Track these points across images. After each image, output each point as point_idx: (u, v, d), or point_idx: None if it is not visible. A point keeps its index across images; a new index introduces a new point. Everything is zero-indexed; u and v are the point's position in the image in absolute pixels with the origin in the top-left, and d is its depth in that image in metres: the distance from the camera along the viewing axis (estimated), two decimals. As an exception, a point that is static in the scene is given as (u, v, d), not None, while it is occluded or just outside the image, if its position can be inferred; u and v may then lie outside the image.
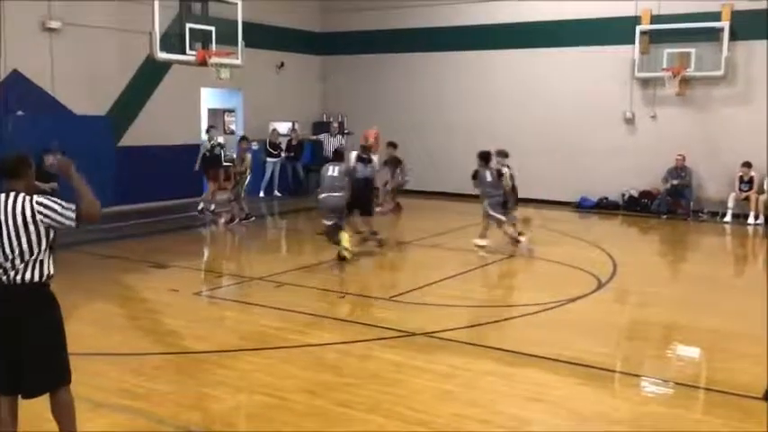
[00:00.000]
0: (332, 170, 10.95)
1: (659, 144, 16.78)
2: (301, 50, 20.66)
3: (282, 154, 18.92)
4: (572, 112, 17.74)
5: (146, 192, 15.65)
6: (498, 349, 7.03)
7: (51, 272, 4.37)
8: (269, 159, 18.76)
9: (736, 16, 15.88)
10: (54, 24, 14.42)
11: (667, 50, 16.37)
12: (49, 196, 4.41)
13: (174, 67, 15.99)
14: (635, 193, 17.08)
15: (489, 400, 5.86)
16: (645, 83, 17.12)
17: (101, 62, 15.42)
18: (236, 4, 13.80)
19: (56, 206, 4.32)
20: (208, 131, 15.70)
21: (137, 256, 11.47)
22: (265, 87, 19.28)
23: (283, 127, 19.58)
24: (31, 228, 4.25)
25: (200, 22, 13.62)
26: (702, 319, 8.27)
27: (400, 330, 7.50)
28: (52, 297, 4.42)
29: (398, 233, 11.96)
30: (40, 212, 4.26)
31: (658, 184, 16.81)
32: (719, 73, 15.96)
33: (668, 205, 16.48)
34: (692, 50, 16.13)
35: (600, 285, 9.71)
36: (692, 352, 7.55)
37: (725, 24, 15.84)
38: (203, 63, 13.41)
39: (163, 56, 12.83)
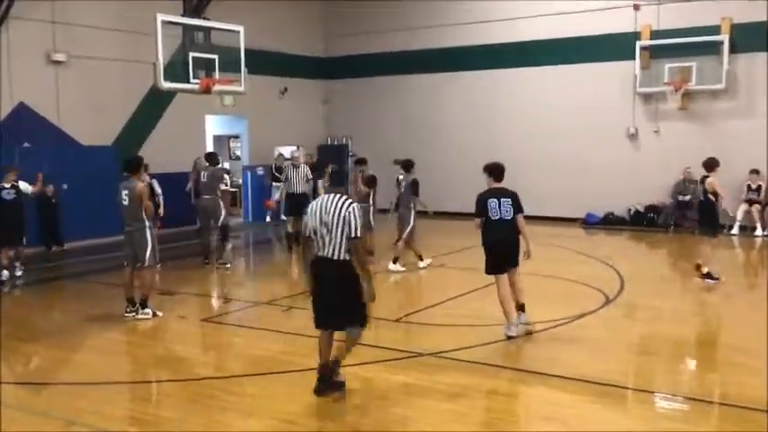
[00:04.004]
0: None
1: (663, 158, 16.79)
2: (304, 75, 20.84)
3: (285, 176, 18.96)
4: (575, 128, 17.80)
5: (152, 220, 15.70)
6: (507, 368, 7.00)
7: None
8: (274, 184, 18.82)
9: (736, 29, 15.95)
10: (59, 57, 14.61)
11: (668, 65, 16.44)
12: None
13: (178, 96, 16.15)
14: (641, 208, 17.08)
15: (500, 420, 5.83)
16: (647, 98, 17.17)
17: (106, 93, 15.60)
18: (239, 31, 13.93)
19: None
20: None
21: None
22: (269, 113, 19.42)
23: (288, 152, 19.68)
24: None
25: (204, 51, 13.74)
26: (712, 334, 8.22)
27: (408, 351, 7.48)
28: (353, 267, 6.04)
29: (403, 254, 11.93)
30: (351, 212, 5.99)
31: (664, 199, 16.80)
32: (721, 86, 16.00)
33: (675, 219, 16.45)
34: (693, 64, 16.20)
35: (608, 301, 9.68)
36: (703, 366, 7.49)
37: (724, 37, 15.90)
38: (207, 91, 13.51)
39: (167, 85, 12.94)
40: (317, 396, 6.16)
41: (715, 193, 10.71)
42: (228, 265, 12.46)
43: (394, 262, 11.87)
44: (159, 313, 9.24)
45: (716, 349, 7.68)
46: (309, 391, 6.40)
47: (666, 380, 6.88)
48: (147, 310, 9.16)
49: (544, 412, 5.92)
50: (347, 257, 6.00)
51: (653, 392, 6.49)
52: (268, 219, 18.88)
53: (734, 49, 15.93)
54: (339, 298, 6.06)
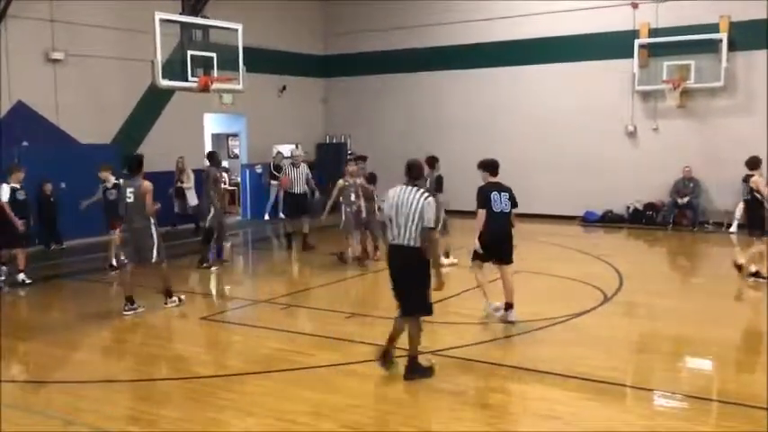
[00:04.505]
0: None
1: (662, 156, 16.81)
2: (303, 73, 20.82)
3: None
4: (574, 126, 17.80)
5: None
6: (506, 366, 7.01)
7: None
8: (273, 182, 18.82)
9: (734, 27, 15.95)
10: (57, 55, 14.60)
11: (666, 63, 16.44)
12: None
13: (176, 94, 16.14)
14: (639, 206, 17.09)
15: (499, 418, 5.83)
16: (645, 96, 17.17)
17: (104, 91, 15.59)
18: (237, 30, 13.92)
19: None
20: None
21: (144, 283, 11.48)
22: (268, 111, 19.41)
23: (287, 150, 19.68)
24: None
25: (202, 49, 13.72)
26: (711, 331, 8.23)
27: (407, 349, 7.46)
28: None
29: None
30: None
31: (662, 197, 16.81)
32: (719, 84, 16.01)
33: (674, 217, 16.47)
34: (692, 62, 16.20)
35: (606, 299, 9.69)
36: (702, 364, 7.50)
37: (723, 35, 15.91)
38: (206, 89, 13.48)
39: (165, 83, 12.91)
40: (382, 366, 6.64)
41: (760, 192, 10.60)
42: (214, 268, 12.24)
43: (446, 256, 11.73)
44: (183, 297, 9.67)
45: (714, 347, 7.69)
46: (309, 389, 6.42)
47: (665, 377, 6.88)
48: (173, 299, 9.55)
49: (543, 410, 5.93)
50: (418, 246, 6.34)
51: (652, 390, 6.50)
52: (267, 217, 18.88)
53: (732, 47, 15.94)
54: (408, 284, 6.44)
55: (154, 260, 9.30)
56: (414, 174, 6.70)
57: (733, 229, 15.73)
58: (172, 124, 16.81)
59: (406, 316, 6.55)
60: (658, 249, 15.29)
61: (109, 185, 11.64)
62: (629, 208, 17.26)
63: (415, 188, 6.51)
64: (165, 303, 9.56)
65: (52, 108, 14.64)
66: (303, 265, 13.18)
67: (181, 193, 16.26)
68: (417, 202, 6.36)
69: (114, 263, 11.63)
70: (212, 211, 12.28)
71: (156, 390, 6.62)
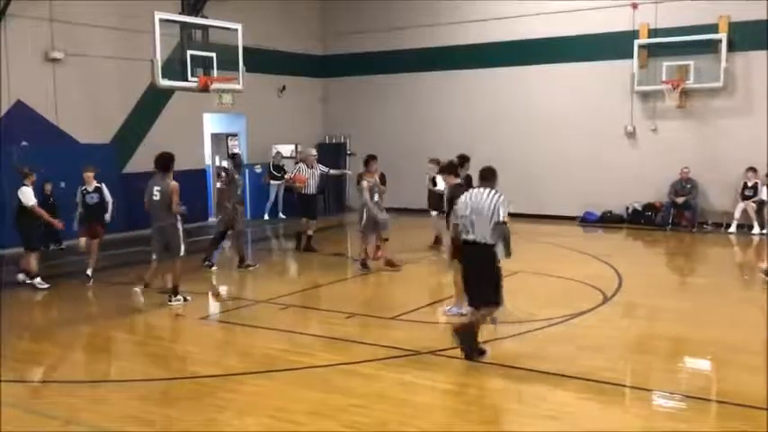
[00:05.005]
0: None
1: (661, 157, 16.82)
2: (303, 73, 20.83)
3: (286, 176, 18.96)
4: (573, 127, 17.81)
5: (149, 217, 15.65)
6: (506, 366, 7.00)
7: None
8: (272, 182, 18.83)
9: (734, 27, 15.96)
10: (57, 55, 14.59)
11: (666, 63, 16.45)
12: None
13: (176, 94, 16.14)
14: (639, 206, 17.10)
15: (498, 418, 5.84)
16: (645, 96, 17.18)
17: (104, 91, 15.59)
18: (237, 29, 13.92)
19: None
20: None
21: (143, 283, 11.48)
22: (268, 111, 19.42)
23: (286, 150, 19.69)
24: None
25: (201, 49, 13.72)
26: (710, 332, 8.24)
27: (406, 349, 7.49)
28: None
29: (400, 252, 11.91)
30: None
31: (662, 197, 16.82)
32: (719, 84, 16.01)
33: (672, 217, 16.48)
34: (691, 63, 16.21)
35: (605, 300, 9.69)
36: (701, 364, 7.51)
37: (722, 36, 15.91)
38: (205, 89, 13.49)
39: (165, 83, 12.91)
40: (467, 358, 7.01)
41: None
42: (214, 267, 12.32)
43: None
44: (189, 297, 9.76)
45: (713, 347, 7.69)
46: (308, 389, 6.42)
47: (665, 378, 6.89)
48: (178, 297, 9.63)
49: (542, 410, 5.93)
50: (491, 243, 6.95)
51: (651, 390, 6.50)
52: (266, 216, 18.89)
53: (732, 48, 15.94)
54: (481, 278, 7.06)
55: (181, 254, 9.61)
56: (487, 177, 7.32)
57: (732, 229, 15.75)
58: (171, 124, 16.81)
59: (478, 304, 7.12)
60: (657, 250, 15.30)
61: (90, 189, 11.14)
62: (628, 208, 17.27)
63: (488, 190, 7.14)
64: (170, 300, 9.63)
65: (51, 108, 14.63)
66: (303, 266, 13.17)
67: None
68: (491, 202, 6.99)
69: (90, 273, 11.04)
70: (227, 211, 12.28)
71: (156, 389, 6.61)
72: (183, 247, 9.65)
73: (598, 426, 5.64)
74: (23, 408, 6.18)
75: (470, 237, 7.10)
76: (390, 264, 11.97)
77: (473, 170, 12.79)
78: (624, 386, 6.65)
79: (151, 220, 9.73)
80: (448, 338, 7.34)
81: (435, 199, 13.11)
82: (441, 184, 12.73)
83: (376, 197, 11.92)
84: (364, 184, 11.86)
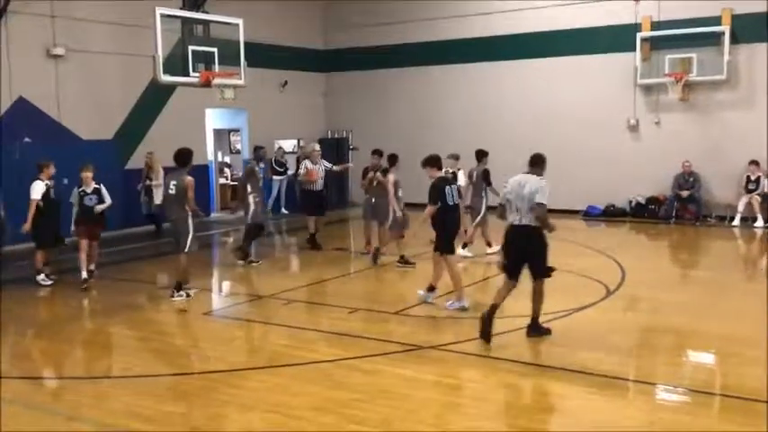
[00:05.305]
0: None
1: (664, 150, 16.77)
2: (305, 68, 20.80)
3: (289, 171, 18.98)
4: (576, 120, 17.76)
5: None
6: (508, 360, 7.00)
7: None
8: (275, 177, 18.84)
9: (737, 20, 15.89)
10: (58, 51, 14.58)
11: (669, 56, 16.40)
12: None
13: (178, 90, 16.13)
14: (642, 200, 17.06)
15: (500, 412, 5.84)
16: (647, 89, 17.13)
17: (106, 87, 15.58)
18: (238, 24, 13.90)
19: None
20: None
21: (145, 278, 11.52)
22: (270, 106, 19.40)
23: (288, 145, 19.67)
24: None
25: (203, 44, 13.70)
26: (713, 325, 8.23)
27: (408, 344, 7.49)
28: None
29: (402, 247, 11.87)
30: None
31: (665, 190, 16.79)
32: (722, 77, 15.96)
33: (676, 210, 16.45)
34: (694, 55, 16.16)
35: (608, 293, 9.68)
36: (704, 358, 7.50)
37: (725, 28, 15.85)
38: (207, 84, 13.48)
39: (166, 79, 12.91)
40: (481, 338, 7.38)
41: None
42: (259, 263, 12.28)
43: (463, 247, 12.18)
44: (192, 292, 9.80)
45: (716, 340, 7.68)
46: (311, 384, 6.43)
47: (668, 371, 6.88)
48: (181, 293, 9.66)
49: (545, 404, 5.94)
50: (535, 224, 7.47)
51: (654, 384, 6.49)
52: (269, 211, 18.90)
53: (735, 40, 15.89)
54: (531, 256, 7.56)
55: (186, 249, 9.61)
56: (536, 163, 7.83)
57: (736, 222, 15.72)
58: (173, 120, 16.79)
59: (535, 281, 7.63)
60: (661, 243, 15.28)
61: (88, 190, 10.66)
62: (631, 202, 17.23)
63: (533, 175, 7.61)
64: (172, 296, 9.65)
65: (54, 104, 14.62)
66: (306, 261, 13.17)
67: (149, 192, 15.46)
68: (533, 186, 7.45)
69: (86, 275, 10.59)
70: (252, 206, 12.19)
71: (159, 385, 6.62)
72: (189, 244, 9.62)
73: (601, 419, 5.63)
74: (26, 404, 6.20)
75: (515, 219, 7.54)
76: (405, 261, 11.73)
77: (473, 161, 12.95)
78: (628, 380, 6.64)
79: (166, 215, 9.94)
80: (451, 333, 7.34)
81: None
82: (461, 180, 12.92)
83: (400, 192, 11.88)
84: (390, 177, 11.78)
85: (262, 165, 12.97)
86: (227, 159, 21.22)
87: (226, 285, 11.49)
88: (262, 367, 6.97)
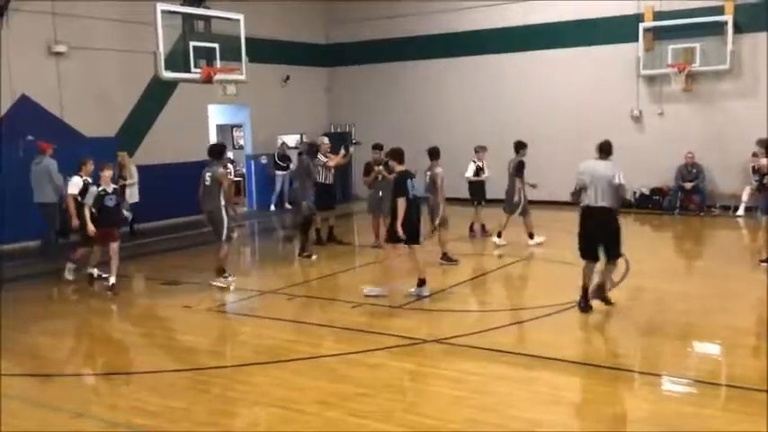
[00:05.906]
0: None
1: (668, 140, 16.73)
2: (307, 63, 20.78)
3: (292, 166, 18.95)
4: (579, 111, 17.72)
5: (156, 210, 15.71)
6: (511, 353, 7.00)
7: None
8: (278, 172, 18.84)
9: (739, 9, 15.83)
10: (60, 48, 14.58)
11: (672, 46, 16.34)
12: None
13: (180, 86, 16.12)
14: (646, 191, 17.02)
15: (504, 405, 5.83)
16: (651, 80, 17.07)
17: (108, 84, 15.59)
18: (239, 20, 13.88)
19: None
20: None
21: (149, 274, 11.54)
22: (272, 101, 19.40)
23: (291, 140, 19.67)
24: None
25: (204, 40, 13.68)
26: (718, 316, 8.21)
27: (411, 338, 7.49)
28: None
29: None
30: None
31: (669, 181, 16.74)
32: (725, 67, 15.90)
33: (680, 201, 16.40)
34: (697, 45, 16.10)
35: (613, 284, 9.64)
36: (709, 348, 7.48)
37: (728, 18, 15.78)
38: (209, 80, 13.47)
39: (168, 75, 12.90)
40: (581, 311, 8.09)
41: None
42: (314, 257, 12.15)
43: (498, 236, 12.65)
44: (232, 278, 10.35)
45: (722, 331, 7.67)
46: (315, 379, 6.43)
47: (672, 362, 6.87)
48: (220, 279, 10.23)
49: (549, 396, 5.93)
50: (611, 206, 7.92)
51: (659, 375, 6.49)
52: (272, 207, 18.92)
53: (738, 30, 15.81)
54: (607, 237, 8.03)
55: (223, 238, 10.14)
56: (605, 149, 8.23)
57: (740, 212, 15.66)
58: (176, 116, 16.80)
59: (609, 262, 8.13)
60: (665, 234, 15.24)
61: (109, 190, 9.98)
62: (635, 193, 17.16)
63: (606, 161, 8.10)
64: (213, 282, 10.24)
65: (56, 101, 14.64)
66: (321, 255, 13.14)
67: (122, 191, 14.55)
68: (610, 170, 7.94)
69: (95, 273, 10.49)
70: (306, 200, 12.20)
71: (164, 381, 6.63)
72: (225, 233, 10.14)
73: (604, 410, 5.63)
74: (31, 401, 6.22)
75: (591, 201, 7.96)
76: (448, 258, 11.38)
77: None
78: (632, 371, 6.64)
79: (203, 206, 10.33)
80: (453, 327, 7.31)
81: (477, 188, 13.40)
82: (487, 173, 13.29)
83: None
84: (438, 170, 11.30)
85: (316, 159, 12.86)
86: (231, 155, 21.22)
87: (231, 280, 11.47)
88: (266, 362, 6.98)
